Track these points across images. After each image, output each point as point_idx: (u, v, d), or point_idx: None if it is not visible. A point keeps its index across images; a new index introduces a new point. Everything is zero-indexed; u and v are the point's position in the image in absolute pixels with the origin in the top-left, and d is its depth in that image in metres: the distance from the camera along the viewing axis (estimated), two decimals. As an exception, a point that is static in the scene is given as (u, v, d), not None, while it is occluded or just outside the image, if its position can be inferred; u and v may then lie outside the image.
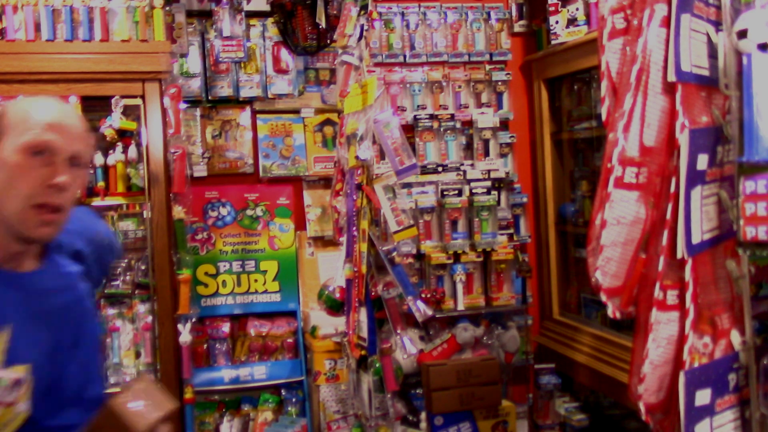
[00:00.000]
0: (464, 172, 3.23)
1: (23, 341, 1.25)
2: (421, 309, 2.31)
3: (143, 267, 2.83)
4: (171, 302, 2.70)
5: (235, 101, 3.25)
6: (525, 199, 3.42)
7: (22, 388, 1.24)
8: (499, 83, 3.44)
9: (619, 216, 1.67)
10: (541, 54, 3.35)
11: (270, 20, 3.21)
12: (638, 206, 1.68)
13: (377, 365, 2.37)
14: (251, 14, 3.21)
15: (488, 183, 3.15)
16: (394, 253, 2.36)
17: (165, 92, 2.71)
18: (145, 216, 2.81)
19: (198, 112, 3.19)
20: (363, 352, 2.41)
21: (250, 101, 3.27)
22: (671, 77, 1.60)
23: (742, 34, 1.51)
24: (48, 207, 1.24)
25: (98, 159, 2.68)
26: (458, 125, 3.35)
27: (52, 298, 1.32)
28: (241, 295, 3.18)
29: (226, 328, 3.09)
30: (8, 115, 1.27)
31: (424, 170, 3.17)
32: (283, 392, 3.12)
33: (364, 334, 2.39)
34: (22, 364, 1.24)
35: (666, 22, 1.62)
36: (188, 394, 2.75)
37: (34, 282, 1.31)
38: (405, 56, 3.36)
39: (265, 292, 3.21)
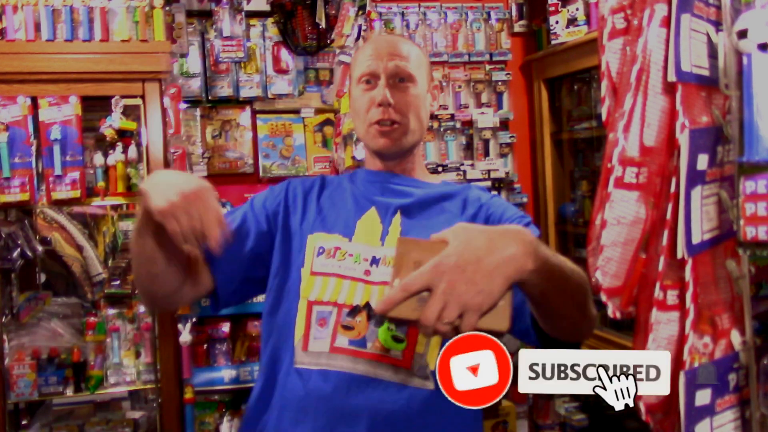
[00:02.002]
0: (464, 172, 3.23)
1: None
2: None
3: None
4: (171, 302, 2.70)
5: (235, 101, 3.24)
6: (525, 199, 3.42)
7: None
8: (499, 83, 3.44)
9: (619, 216, 1.67)
10: (541, 54, 3.35)
11: (270, 20, 3.21)
12: (638, 206, 1.68)
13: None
14: (251, 14, 3.21)
15: (488, 183, 3.15)
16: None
17: (165, 92, 2.71)
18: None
19: (198, 112, 3.19)
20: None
21: (250, 101, 3.27)
22: (671, 77, 1.60)
23: (742, 34, 1.51)
24: (381, 122, 1.41)
25: (98, 159, 2.68)
26: (458, 125, 3.35)
27: (432, 204, 1.43)
28: (241, 295, 3.18)
29: (226, 328, 3.09)
30: (353, 59, 1.54)
31: (424, 170, 3.17)
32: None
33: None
34: None
35: (666, 22, 1.62)
36: (188, 394, 2.75)
37: (411, 184, 1.46)
38: (405, 56, 3.35)
39: (265, 292, 3.20)
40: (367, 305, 1.30)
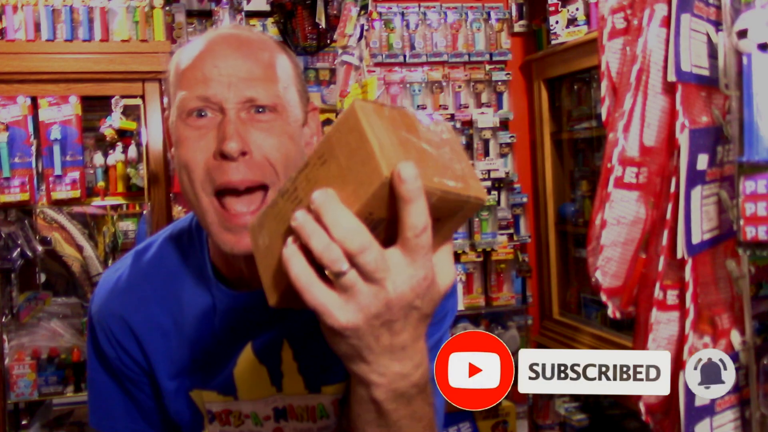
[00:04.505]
0: (464, 172, 3.23)
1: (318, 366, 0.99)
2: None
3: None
4: (171, 302, 2.70)
5: (235, 101, 3.24)
6: (525, 199, 3.42)
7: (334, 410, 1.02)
8: (499, 83, 3.44)
9: (619, 216, 1.67)
10: (541, 54, 3.35)
11: (270, 20, 3.20)
12: (638, 206, 1.68)
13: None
14: (251, 14, 3.21)
15: (488, 183, 3.15)
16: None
17: (165, 92, 2.71)
18: (144, 216, 2.81)
19: (198, 112, 3.19)
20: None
21: (250, 101, 3.26)
22: (671, 77, 1.60)
23: (742, 34, 1.51)
24: (226, 189, 0.84)
25: (98, 159, 2.68)
26: (458, 125, 3.35)
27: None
28: (241, 295, 3.17)
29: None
30: (173, 71, 0.92)
31: (424, 170, 3.17)
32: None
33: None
34: (333, 384, 1.00)
35: (666, 22, 1.62)
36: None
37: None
38: (405, 56, 3.36)
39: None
40: None
